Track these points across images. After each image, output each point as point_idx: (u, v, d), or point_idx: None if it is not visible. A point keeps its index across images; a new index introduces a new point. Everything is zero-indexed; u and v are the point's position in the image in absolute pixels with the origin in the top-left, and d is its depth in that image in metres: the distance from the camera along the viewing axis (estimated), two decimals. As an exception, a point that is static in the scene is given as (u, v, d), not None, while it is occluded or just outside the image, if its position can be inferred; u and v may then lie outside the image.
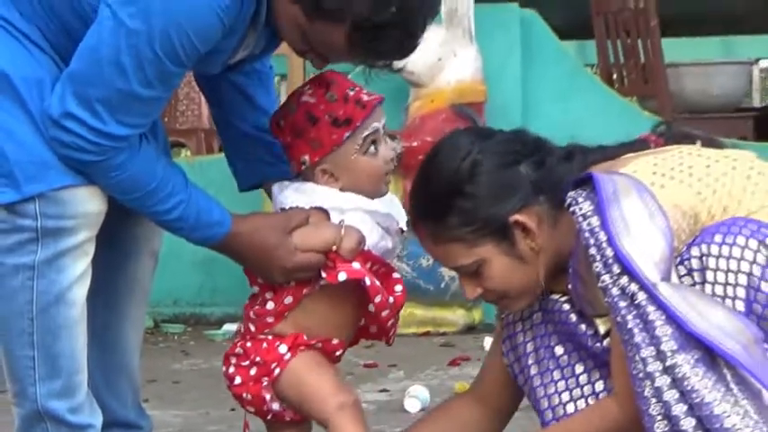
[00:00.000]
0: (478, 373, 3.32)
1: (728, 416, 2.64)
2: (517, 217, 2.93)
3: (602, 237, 2.78)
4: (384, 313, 3.16)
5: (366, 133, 3.13)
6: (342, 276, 3.04)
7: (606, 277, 2.76)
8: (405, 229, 3.20)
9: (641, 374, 2.71)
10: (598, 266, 2.78)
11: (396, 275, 3.23)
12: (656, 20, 8.07)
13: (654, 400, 2.72)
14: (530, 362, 3.13)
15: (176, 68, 2.96)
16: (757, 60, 13.65)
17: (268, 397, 3.12)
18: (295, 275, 3.12)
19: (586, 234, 2.80)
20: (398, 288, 3.21)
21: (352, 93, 3.15)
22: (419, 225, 3.03)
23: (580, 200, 2.84)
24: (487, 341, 5.89)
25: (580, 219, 2.82)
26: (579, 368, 3.08)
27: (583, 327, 3.03)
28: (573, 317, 3.04)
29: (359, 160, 3.14)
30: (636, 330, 2.72)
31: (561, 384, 3.10)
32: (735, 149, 3.04)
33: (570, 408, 3.06)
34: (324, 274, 3.06)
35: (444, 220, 2.97)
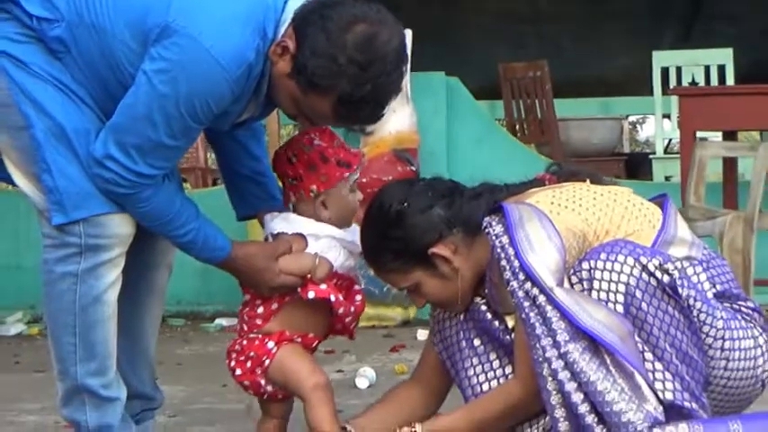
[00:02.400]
0: (418, 361, 3.33)
1: (609, 392, 2.69)
2: (434, 250, 3.00)
3: (511, 251, 2.80)
4: (347, 319, 3.23)
5: (355, 176, 3.18)
6: (311, 295, 3.13)
7: (514, 283, 2.79)
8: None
9: (541, 359, 2.74)
10: (507, 275, 2.80)
11: (357, 287, 3.28)
12: (549, 84, 8.08)
13: (550, 379, 2.75)
14: (455, 351, 3.14)
15: (196, 125, 2.98)
16: (627, 116, 13.71)
17: (263, 382, 3.17)
18: (278, 290, 3.15)
19: (498, 250, 2.82)
20: (358, 298, 3.29)
21: (342, 143, 3.22)
22: (367, 260, 3.14)
23: (493, 224, 2.86)
24: (420, 333, 5.88)
25: (493, 238, 2.84)
26: (493, 356, 3.11)
27: (496, 323, 3.06)
28: (488, 315, 3.07)
29: (348, 196, 3.19)
30: (537, 324, 2.76)
31: (479, 369, 3.12)
32: (615, 185, 3.06)
33: (485, 387, 3.09)
34: (299, 291, 3.13)
35: (381, 258, 3.07)
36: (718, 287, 2.97)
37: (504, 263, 2.83)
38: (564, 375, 2.74)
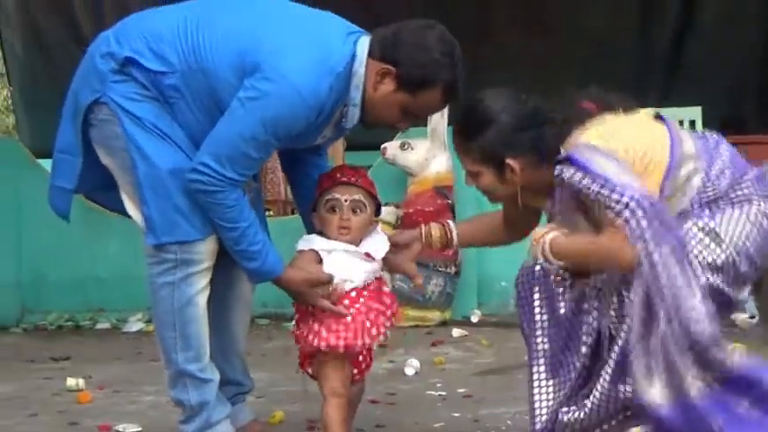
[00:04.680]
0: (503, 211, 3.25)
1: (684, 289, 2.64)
2: (510, 161, 2.86)
3: (590, 179, 2.74)
4: (373, 344, 3.15)
5: (328, 197, 3.13)
6: (322, 345, 3.05)
7: (604, 191, 2.71)
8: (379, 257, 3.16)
9: (631, 221, 2.69)
10: (595, 191, 2.73)
11: (385, 289, 3.19)
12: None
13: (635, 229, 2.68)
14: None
15: (276, 143, 3.00)
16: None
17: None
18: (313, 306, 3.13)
19: (584, 181, 2.75)
20: (387, 300, 3.18)
21: (340, 174, 3.17)
22: (457, 137, 2.97)
23: (565, 170, 2.79)
24: (455, 331, 5.86)
25: (573, 176, 2.77)
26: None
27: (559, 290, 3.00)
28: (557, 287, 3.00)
29: (324, 215, 3.16)
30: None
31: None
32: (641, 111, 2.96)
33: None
34: (315, 341, 3.05)
35: (469, 141, 2.92)
36: (723, 182, 2.84)
37: (591, 185, 2.73)
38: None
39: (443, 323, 6.28)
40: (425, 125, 6.47)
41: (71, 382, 4.57)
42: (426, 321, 6.26)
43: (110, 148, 3.15)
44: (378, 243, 3.18)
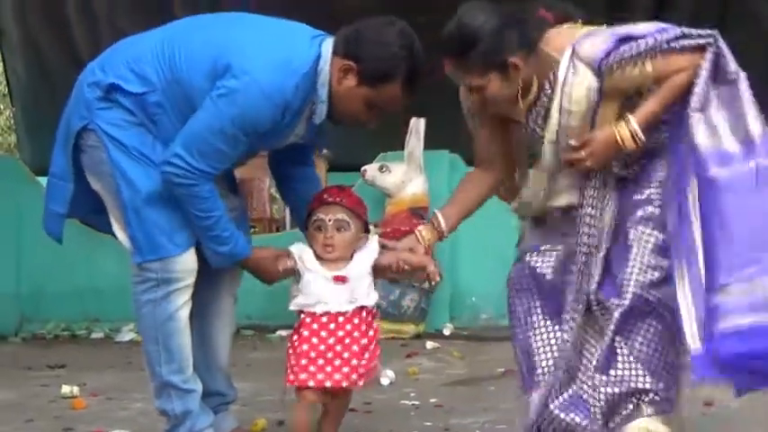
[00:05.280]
0: (477, 154, 3.25)
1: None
2: (513, 59, 2.89)
3: (648, 39, 2.88)
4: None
5: (314, 218, 3.13)
6: (310, 383, 3.08)
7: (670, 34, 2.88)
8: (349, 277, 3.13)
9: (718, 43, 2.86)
10: (664, 40, 2.88)
11: (370, 337, 3.18)
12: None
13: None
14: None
15: (244, 138, 2.98)
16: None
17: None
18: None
19: (647, 43, 2.87)
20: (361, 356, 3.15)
21: (326, 195, 3.15)
22: (455, 61, 2.94)
23: (616, 53, 2.87)
24: (428, 344, 5.85)
25: (633, 47, 2.87)
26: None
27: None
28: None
29: (314, 233, 3.16)
30: None
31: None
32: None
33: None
34: (292, 377, 3.08)
35: (469, 59, 2.91)
36: None
37: (661, 37, 2.86)
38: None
39: (418, 336, 6.29)
40: (402, 149, 6.49)
41: (66, 389, 4.54)
42: (402, 334, 6.26)
43: (98, 173, 3.17)
44: (364, 258, 3.17)
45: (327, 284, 3.12)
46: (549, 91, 2.95)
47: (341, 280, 3.12)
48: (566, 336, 3.03)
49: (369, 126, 3.16)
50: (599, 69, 2.87)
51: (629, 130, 2.90)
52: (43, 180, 7.18)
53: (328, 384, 3.07)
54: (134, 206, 3.10)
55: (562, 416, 2.99)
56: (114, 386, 4.74)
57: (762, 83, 3.06)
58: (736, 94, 2.84)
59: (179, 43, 3.10)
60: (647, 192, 3.00)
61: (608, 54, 2.87)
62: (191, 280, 3.16)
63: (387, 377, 4.72)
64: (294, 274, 3.17)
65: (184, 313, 3.16)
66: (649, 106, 2.91)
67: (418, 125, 6.47)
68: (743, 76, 2.86)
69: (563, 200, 3.09)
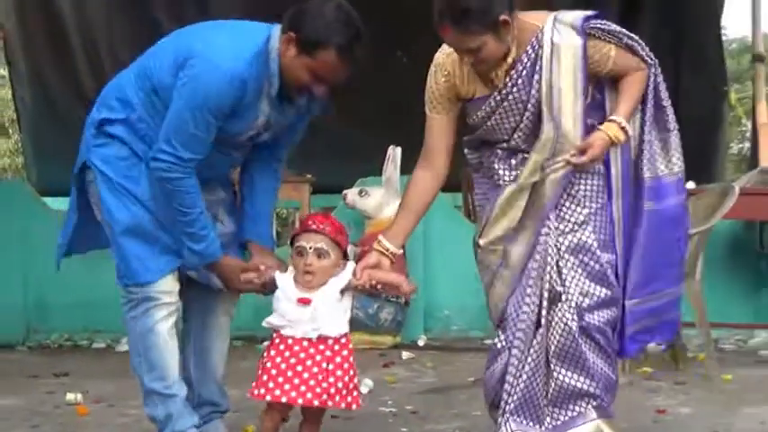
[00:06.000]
0: (424, 150, 3.24)
1: None
2: (503, 17, 2.94)
3: (622, 33, 3.07)
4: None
5: (297, 244, 3.12)
6: (268, 397, 3.10)
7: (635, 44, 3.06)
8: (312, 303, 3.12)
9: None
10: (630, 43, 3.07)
11: (338, 364, 3.21)
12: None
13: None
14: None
15: (213, 120, 2.98)
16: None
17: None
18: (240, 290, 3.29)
19: (620, 30, 3.06)
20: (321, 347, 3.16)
21: (311, 222, 3.15)
22: (453, 28, 2.94)
23: (600, 23, 3.06)
24: (404, 354, 5.87)
25: (611, 26, 3.06)
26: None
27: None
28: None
29: (295, 258, 3.15)
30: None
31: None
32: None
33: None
34: (256, 391, 3.10)
35: (464, 24, 2.92)
36: None
37: (627, 41, 3.02)
38: None
39: (395, 346, 6.29)
40: (380, 175, 6.51)
41: (70, 396, 4.54)
42: (379, 345, 6.26)
43: (96, 205, 3.27)
44: (333, 283, 3.16)
45: (290, 304, 3.13)
46: (533, 54, 3.02)
47: (304, 302, 3.11)
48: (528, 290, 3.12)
49: (319, 96, 3.13)
50: (582, 29, 2.99)
51: (618, 126, 3.03)
52: (47, 200, 7.22)
53: (284, 400, 3.09)
54: (113, 236, 3.18)
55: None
56: (115, 393, 4.74)
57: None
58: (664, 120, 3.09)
59: (152, 57, 3.17)
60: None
61: (588, 19, 3.01)
62: (169, 299, 3.21)
63: (366, 385, 4.74)
64: (264, 289, 3.19)
65: (163, 327, 3.21)
66: (627, 105, 3.05)
67: (395, 154, 6.49)
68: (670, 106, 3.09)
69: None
